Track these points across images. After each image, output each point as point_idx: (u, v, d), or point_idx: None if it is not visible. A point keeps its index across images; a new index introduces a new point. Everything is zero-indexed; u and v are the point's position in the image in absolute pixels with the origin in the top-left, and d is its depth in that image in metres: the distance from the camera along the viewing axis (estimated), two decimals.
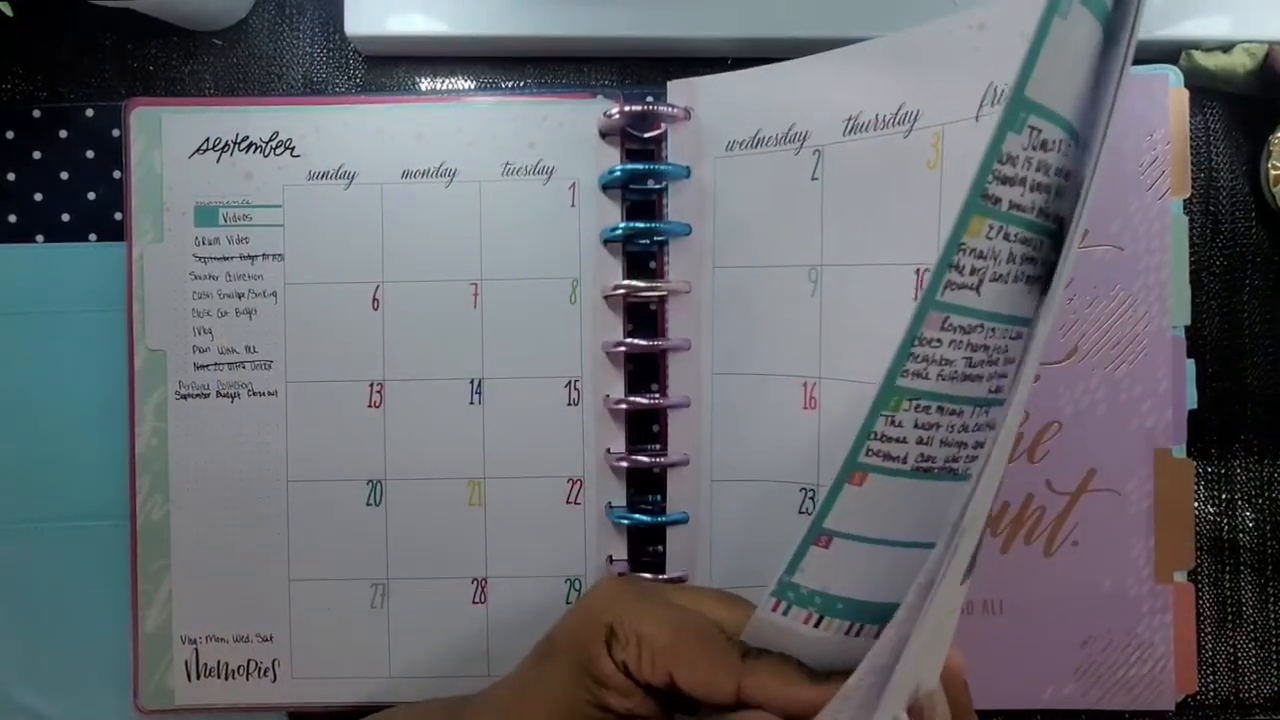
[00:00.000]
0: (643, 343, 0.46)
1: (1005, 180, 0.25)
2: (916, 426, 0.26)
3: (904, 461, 0.27)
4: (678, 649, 0.31)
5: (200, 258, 0.47)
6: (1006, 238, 0.25)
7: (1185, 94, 0.47)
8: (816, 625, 0.29)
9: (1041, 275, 0.27)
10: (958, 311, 0.25)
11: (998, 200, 0.25)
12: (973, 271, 0.25)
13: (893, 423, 0.26)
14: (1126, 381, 0.46)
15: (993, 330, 0.26)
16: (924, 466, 0.27)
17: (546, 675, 0.34)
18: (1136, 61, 0.45)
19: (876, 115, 0.43)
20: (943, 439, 0.27)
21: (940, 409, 0.27)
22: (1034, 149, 0.25)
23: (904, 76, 0.42)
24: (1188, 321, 0.47)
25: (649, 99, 0.46)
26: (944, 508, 0.26)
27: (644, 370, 0.48)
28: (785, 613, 0.29)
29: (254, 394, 0.47)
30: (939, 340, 0.26)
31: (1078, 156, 0.26)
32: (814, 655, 0.30)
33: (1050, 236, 0.27)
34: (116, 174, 0.48)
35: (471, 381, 0.47)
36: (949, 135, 0.40)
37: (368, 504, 0.47)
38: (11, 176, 0.49)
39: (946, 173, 0.40)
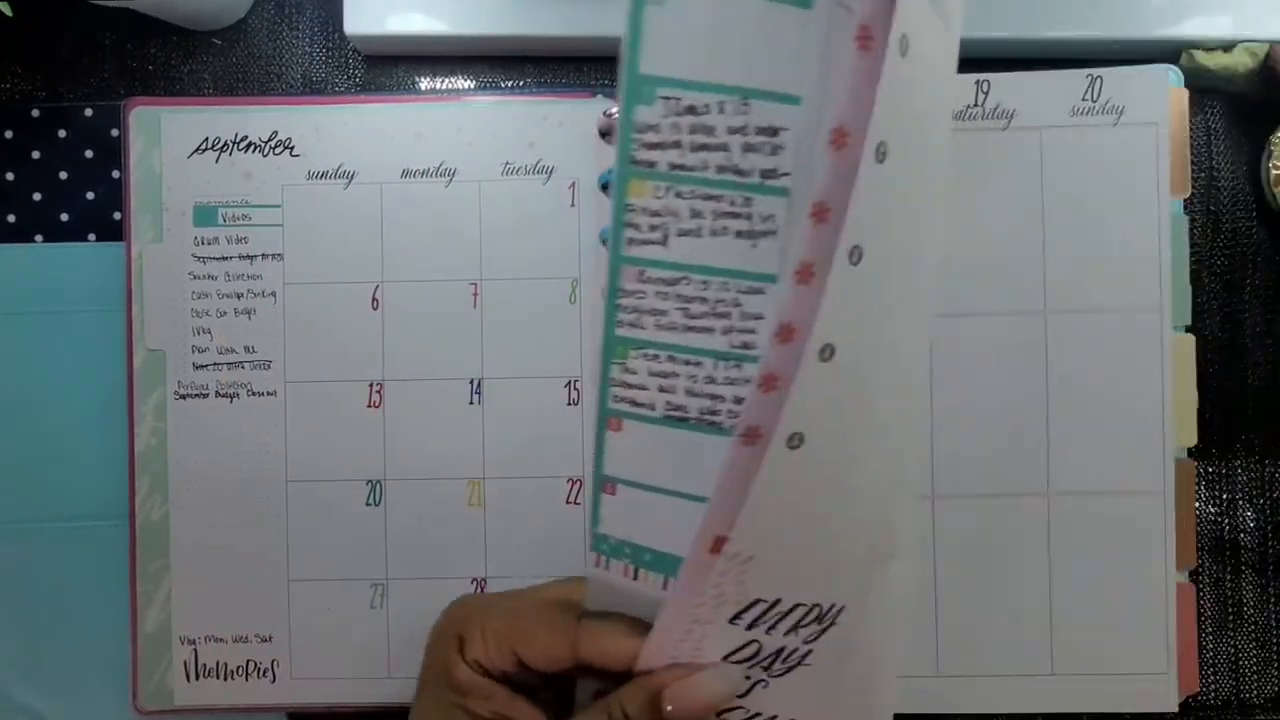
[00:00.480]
0: None
1: (653, 146, 0.27)
2: (653, 375, 0.29)
3: (653, 408, 0.29)
4: (517, 628, 0.32)
5: (199, 258, 0.47)
6: (680, 195, 0.27)
7: (1186, 93, 0.46)
8: (635, 578, 0.31)
9: (775, 230, 0.28)
10: (651, 264, 0.28)
11: (652, 164, 0.27)
12: (653, 228, 0.28)
13: (627, 370, 0.29)
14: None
15: (705, 283, 0.28)
16: (676, 415, 0.29)
17: (421, 713, 0.34)
18: (1137, 60, 0.46)
19: None
20: (688, 389, 0.29)
21: (672, 358, 0.29)
22: (678, 115, 0.27)
23: None
24: (1188, 321, 0.47)
25: None
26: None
27: None
28: (606, 566, 0.31)
29: (253, 394, 0.47)
30: (642, 292, 0.28)
31: (784, 114, 0.27)
32: (650, 613, 0.30)
33: (780, 194, 0.28)
34: (115, 174, 0.48)
35: (471, 381, 0.47)
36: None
37: (367, 504, 0.47)
38: (10, 176, 0.49)
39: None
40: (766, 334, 0.26)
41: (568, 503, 0.47)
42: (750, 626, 0.29)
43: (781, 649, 0.29)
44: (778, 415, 0.24)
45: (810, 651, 0.30)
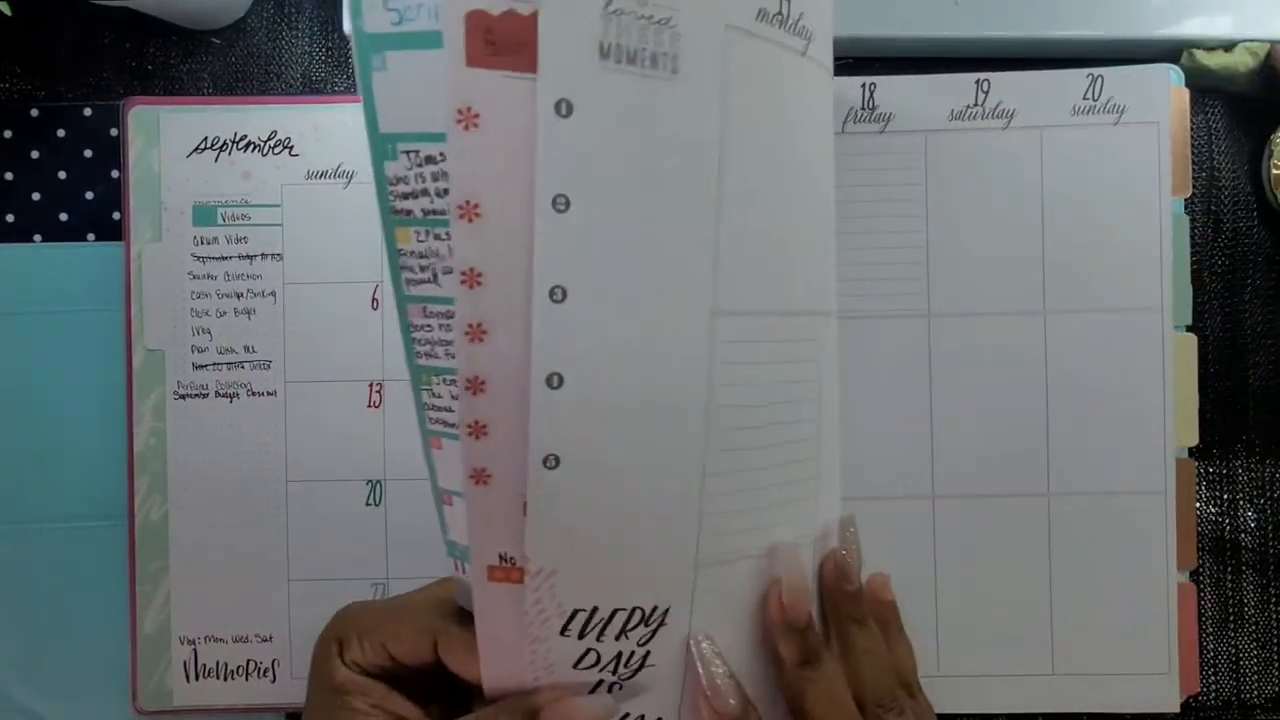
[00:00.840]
0: None
1: (406, 195, 0.30)
2: (455, 398, 0.30)
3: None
4: (388, 628, 0.33)
5: (199, 257, 0.47)
6: (438, 238, 0.29)
7: (1186, 93, 0.46)
8: None
9: None
10: (430, 301, 0.30)
11: (409, 212, 0.30)
12: (422, 269, 0.30)
13: (433, 394, 0.31)
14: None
15: None
16: None
17: (309, 717, 0.34)
18: (1138, 59, 0.46)
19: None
20: None
21: None
22: (419, 165, 0.29)
23: None
24: (1189, 321, 0.47)
25: None
26: None
27: None
28: (464, 571, 0.33)
29: (253, 394, 0.47)
30: (429, 325, 0.31)
31: None
32: None
33: None
34: (115, 173, 0.48)
35: None
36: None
37: (367, 504, 0.47)
38: (10, 176, 0.49)
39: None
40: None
41: None
42: (581, 636, 0.30)
43: (619, 653, 0.31)
44: (506, 456, 0.28)
45: (648, 653, 0.32)
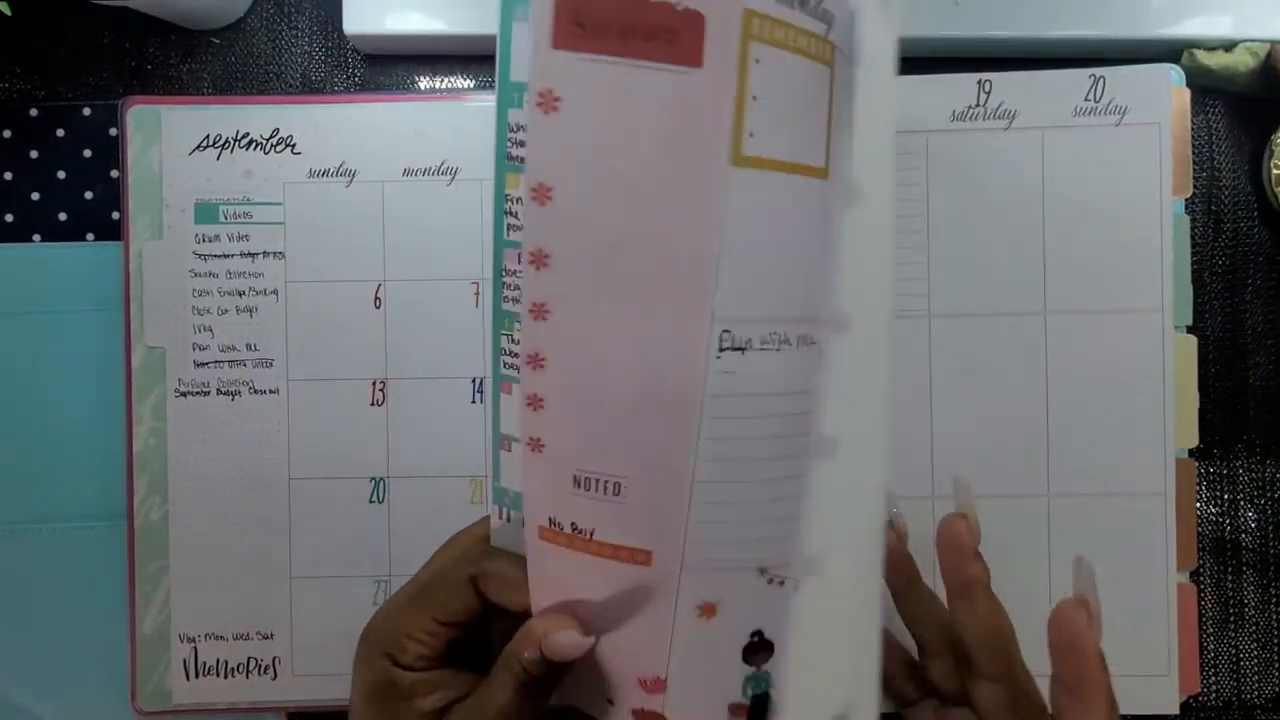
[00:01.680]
0: None
1: (522, 144, 0.31)
2: None
3: None
4: (424, 602, 0.34)
5: (200, 255, 0.47)
6: None
7: (1187, 93, 0.47)
8: None
9: None
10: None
11: (522, 160, 0.31)
12: (522, 217, 0.29)
13: (512, 339, 0.33)
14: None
15: None
16: None
17: None
18: (1138, 59, 0.46)
19: None
20: None
21: None
22: None
23: None
24: (1190, 321, 0.47)
25: None
26: None
27: None
28: (507, 519, 0.34)
29: (255, 392, 0.47)
30: (520, 271, 0.30)
31: None
32: None
33: None
34: (114, 173, 0.48)
35: (473, 380, 0.47)
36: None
37: (370, 501, 0.47)
38: (9, 176, 0.49)
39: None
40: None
41: None
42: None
43: None
44: (558, 431, 0.29)
45: None
